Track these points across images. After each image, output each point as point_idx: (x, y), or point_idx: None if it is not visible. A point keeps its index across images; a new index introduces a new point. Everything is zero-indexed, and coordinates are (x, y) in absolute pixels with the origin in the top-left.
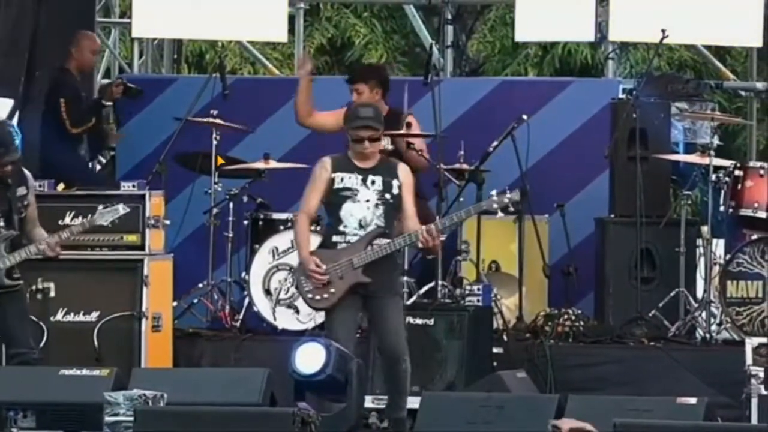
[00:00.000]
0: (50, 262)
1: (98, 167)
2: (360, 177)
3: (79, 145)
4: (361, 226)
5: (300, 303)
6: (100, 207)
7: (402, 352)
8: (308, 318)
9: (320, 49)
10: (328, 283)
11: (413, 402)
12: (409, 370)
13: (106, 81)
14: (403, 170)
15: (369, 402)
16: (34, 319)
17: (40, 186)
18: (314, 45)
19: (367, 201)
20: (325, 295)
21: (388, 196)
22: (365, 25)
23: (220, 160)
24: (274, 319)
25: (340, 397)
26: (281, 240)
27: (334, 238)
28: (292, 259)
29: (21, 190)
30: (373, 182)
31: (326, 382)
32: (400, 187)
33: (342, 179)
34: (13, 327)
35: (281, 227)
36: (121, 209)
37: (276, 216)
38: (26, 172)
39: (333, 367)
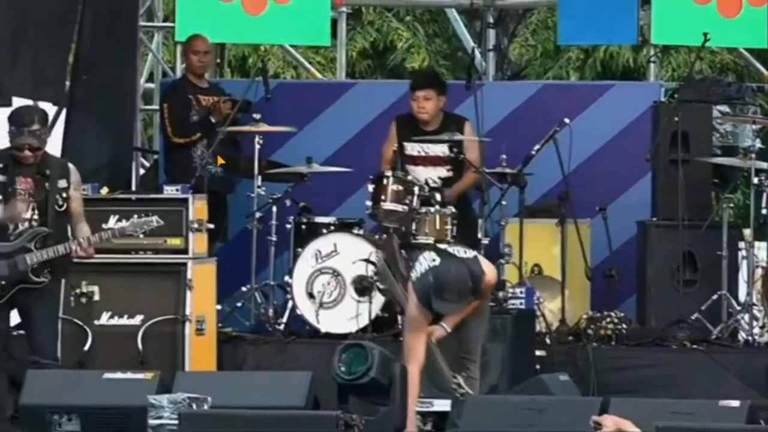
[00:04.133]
0: (97, 266)
1: (141, 171)
2: None
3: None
4: None
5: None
6: (135, 217)
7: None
8: (351, 320)
9: (362, 53)
10: None
11: (444, 405)
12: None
13: (149, 85)
14: None
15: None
16: (79, 322)
17: (84, 189)
18: (356, 49)
19: None
20: None
21: None
22: (407, 28)
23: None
24: (318, 322)
25: (384, 400)
26: (324, 243)
27: None
28: (335, 263)
29: (62, 183)
30: None
31: (370, 385)
32: None
33: None
34: (38, 332)
35: (324, 231)
36: (155, 222)
37: (319, 220)
38: (71, 166)
39: (376, 369)
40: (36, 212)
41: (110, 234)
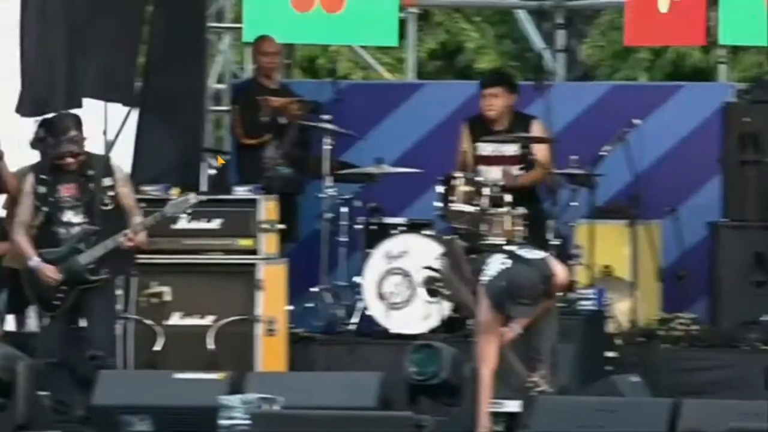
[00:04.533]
0: (168, 266)
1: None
2: None
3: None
4: None
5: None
6: (173, 198)
7: None
8: (422, 321)
9: (432, 53)
10: None
11: (515, 405)
12: None
13: (219, 86)
14: None
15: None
16: (149, 322)
17: (154, 190)
18: (426, 49)
19: None
20: None
21: None
22: (477, 29)
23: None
24: (388, 322)
25: (455, 401)
26: (394, 244)
27: None
28: (406, 264)
29: (106, 181)
30: None
31: (440, 385)
32: None
33: None
34: (93, 325)
35: (394, 231)
36: (192, 198)
37: (389, 220)
38: (114, 163)
39: (447, 370)
40: (85, 215)
41: (153, 219)
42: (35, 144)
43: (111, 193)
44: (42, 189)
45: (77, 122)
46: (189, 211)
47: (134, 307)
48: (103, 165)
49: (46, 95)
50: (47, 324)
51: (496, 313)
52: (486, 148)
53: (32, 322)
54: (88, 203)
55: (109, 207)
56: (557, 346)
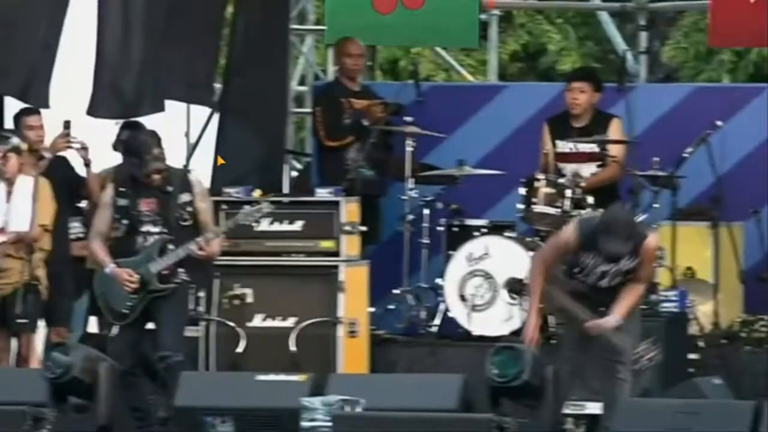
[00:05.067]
0: (250, 268)
1: (294, 173)
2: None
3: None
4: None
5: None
6: (246, 207)
7: None
8: (504, 323)
9: (513, 55)
10: None
11: (596, 408)
12: None
13: (301, 88)
14: None
15: (568, 408)
16: (232, 324)
17: (236, 192)
18: (508, 51)
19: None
20: None
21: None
22: (559, 31)
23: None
24: (470, 324)
25: (536, 403)
26: (476, 246)
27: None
28: (487, 265)
29: (184, 197)
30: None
31: (522, 387)
32: None
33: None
34: (162, 328)
35: (476, 233)
36: (265, 207)
37: (471, 222)
38: (192, 178)
39: (529, 372)
40: (163, 229)
41: (226, 227)
42: (117, 146)
43: (189, 209)
44: (122, 202)
45: (158, 139)
46: (262, 218)
47: (217, 309)
48: (182, 179)
49: (129, 99)
50: (117, 333)
51: (574, 244)
52: (565, 145)
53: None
54: (167, 218)
55: (188, 222)
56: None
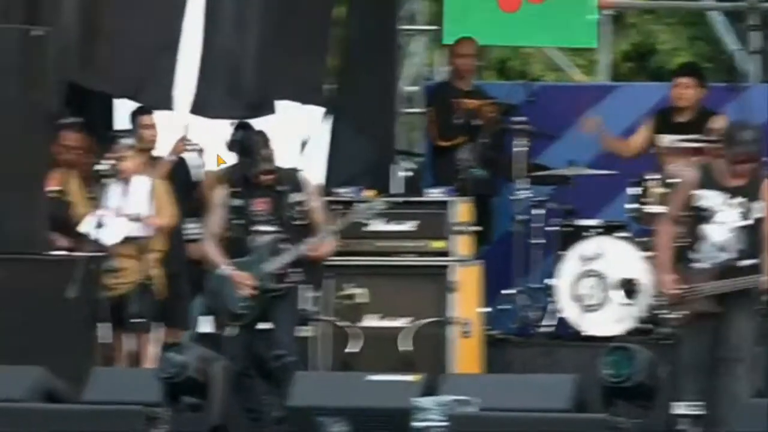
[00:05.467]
0: (363, 268)
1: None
2: (725, 196)
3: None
4: (719, 250)
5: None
6: (359, 204)
7: None
8: (616, 323)
9: (625, 55)
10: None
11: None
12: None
13: (412, 88)
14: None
15: (681, 408)
16: (344, 324)
17: (347, 192)
18: (619, 51)
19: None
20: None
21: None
22: (670, 31)
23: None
24: (582, 325)
25: (650, 403)
26: (588, 246)
27: (690, 255)
28: (600, 266)
29: (296, 196)
30: (738, 203)
31: (635, 388)
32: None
33: (702, 198)
34: (276, 329)
35: (588, 234)
36: (378, 205)
37: (583, 222)
38: (303, 177)
39: (642, 372)
40: (276, 229)
41: (339, 225)
42: (233, 146)
43: (302, 208)
44: (236, 202)
45: (266, 139)
46: (375, 216)
47: (329, 309)
48: (293, 179)
49: (239, 99)
50: (233, 334)
51: (698, 183)
52: (672, 141)
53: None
54: (280, 218)
55: (301, 222)
56: (757, 349)
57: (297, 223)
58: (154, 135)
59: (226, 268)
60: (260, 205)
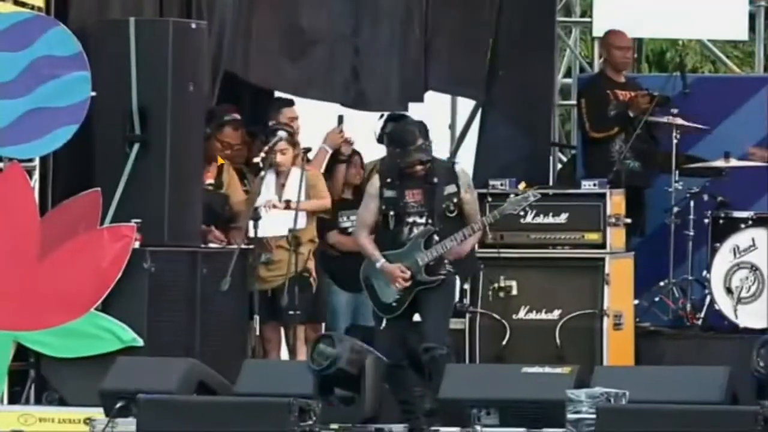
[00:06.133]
0: (515, 260)
1: (559, 166)
2: None
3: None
4: None
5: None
6: (512, 196)
7: None
8: None
9: None
10: None
11: None
12: None
13: (566, 80)
14: None
15: None
16: (497, 317)
17: (501, 184)
18: None
19: None
20: None
21: None
22: None
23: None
24: (736, 317)
25: None
26: (742, 238)
27: None
28: (754, 257)
29: (450, 189)
30: None
31: None
32: None
33: None
34: (426, 319)
35: (742, 225)
36: (531, 196)
37: (737, 214)
38: (458, 168)
39: None
40: (429, 221)
41: (492, 217)
42: (382, 138)
43: (455, 201)
44: (389, 193)
45: (424, 130)
46: (528, 208)
47: (482, 302)
48: (447, 171)
49: (387, 91)
50: (384, 326)
51: None
52: None
53: None
54: (433, 210)
55: (454, 214)
56: None
57: (449, 215)
58: (298, 127)
59: (382, 261)
60: (412, 197)
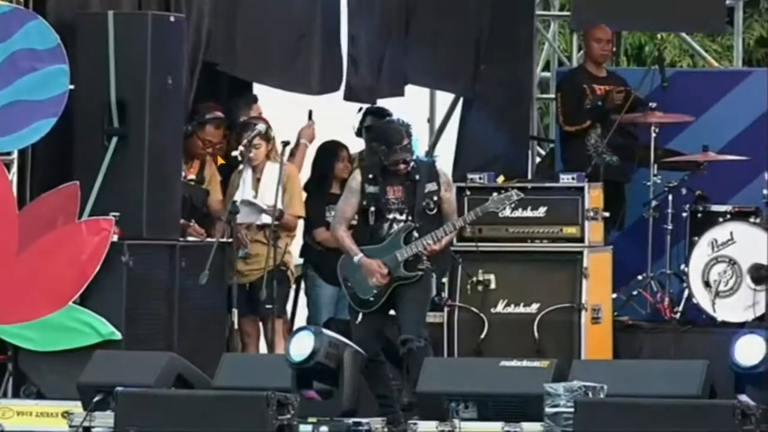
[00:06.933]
0: (493, 254)
1: (537, 159)
2: None
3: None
4: None
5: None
6: (495, 194)
7: None
8: (748, 309)
9: (759, 41)
10: None
11: None
12: None
13: (545, 74)
14: None
15: None
16: (475, 310)
17: (480, 178)
18: (753, 37)
19: None
20: None
21: None
22: None
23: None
24: (714, 311)
25: None
26: (720, 232)
27: None
28: (732, 251)
29: (430, 186)
30: None
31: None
32: None
33: None
34: (403, 312)
35: (720, 219)
36: (514, 195)
37: (715, 208)
38: (439, 167)
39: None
40: (408, 217)
41: (472, 216)
42: (360, 132)
43: (435, 198)
44: (371, 189)
45: (408, 129)
46: (510, 208)
47: (460, 295)
48: (429, 168)
49: (369, 82)
50: (361, 321)
51: None
52: None
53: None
54: (413, 207)
55: (433, 212)
56: None
57: (429, 212)
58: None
59: (359, 256)
60: (394, 193)
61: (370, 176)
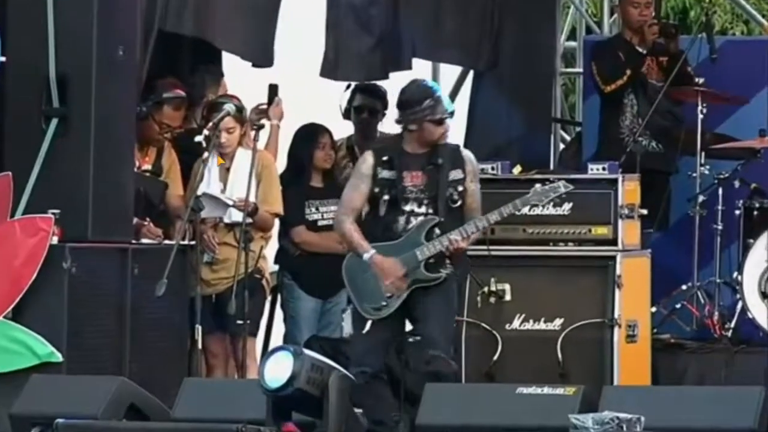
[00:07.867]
0: (508, 259)
1: (561, 146)
2: None
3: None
4: None
5: None
6: (538, 185)
7: None
8: None
9: None
10: None
11: None
12: None
13: (570, 44)
14: None
15: None
16: (487, 327)
17: (492, 168)
18: None
19: None
20: None
21: None
22: None
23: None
24: None
25: None
26: None
27: None
28: None
29: (455, 174)
30: None
31: None
32: None
33: None
34: (425, 325)
35: None
36: (562, 188)
37: None
38: (466, 153)
39: None
40: (429, 209)
41: (511, 209)
42: (348, 113)
43: (460, 189)
44: (385, 174)
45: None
46: (554, 203)
47: (469, 309)
48: (453, 154)
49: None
50: (368, 329)
51: None
52: None
53: (346, 326)
54: (435, 197)
55: (457, 204)
56: None
57: (453, 205)
58: None
59: (371, 254)
60: (412, 180)
61: (384, 159)
